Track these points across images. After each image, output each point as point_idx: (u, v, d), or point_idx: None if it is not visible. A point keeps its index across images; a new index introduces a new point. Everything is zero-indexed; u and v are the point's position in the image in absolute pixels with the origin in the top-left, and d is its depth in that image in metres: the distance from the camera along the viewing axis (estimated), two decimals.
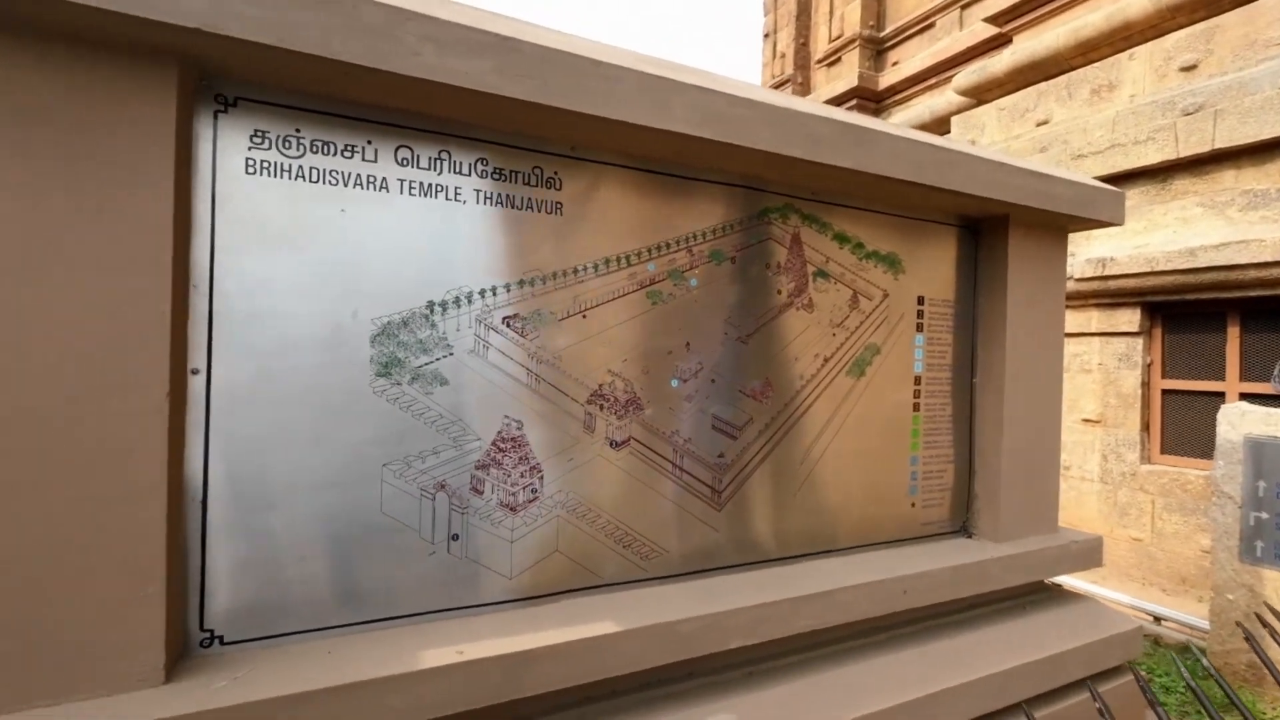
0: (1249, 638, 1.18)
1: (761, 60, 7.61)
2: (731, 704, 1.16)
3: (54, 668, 0.77)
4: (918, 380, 1.56)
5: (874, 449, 1.49)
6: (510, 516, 1.10)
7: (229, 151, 0.90)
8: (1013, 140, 4.05)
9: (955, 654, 1.40)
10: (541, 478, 1.12)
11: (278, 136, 0.93)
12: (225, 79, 0.89)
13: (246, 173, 0.91)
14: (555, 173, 1.12)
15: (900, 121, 5.56)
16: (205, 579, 0.90)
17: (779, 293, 1.35)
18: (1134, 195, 3.33)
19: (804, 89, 7.05)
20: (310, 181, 0.95)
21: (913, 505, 1.56)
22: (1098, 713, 1.02)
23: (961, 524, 1.65)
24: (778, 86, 7.31)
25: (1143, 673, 1.73)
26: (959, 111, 4.67)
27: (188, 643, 0.89)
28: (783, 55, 7.21)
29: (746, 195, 1.31)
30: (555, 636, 1.02)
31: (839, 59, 6.36)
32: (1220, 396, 2.96)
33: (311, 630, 0.96)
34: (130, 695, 0.80)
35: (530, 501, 1.11)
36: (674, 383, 1.24)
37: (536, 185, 1.11)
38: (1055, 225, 1.67)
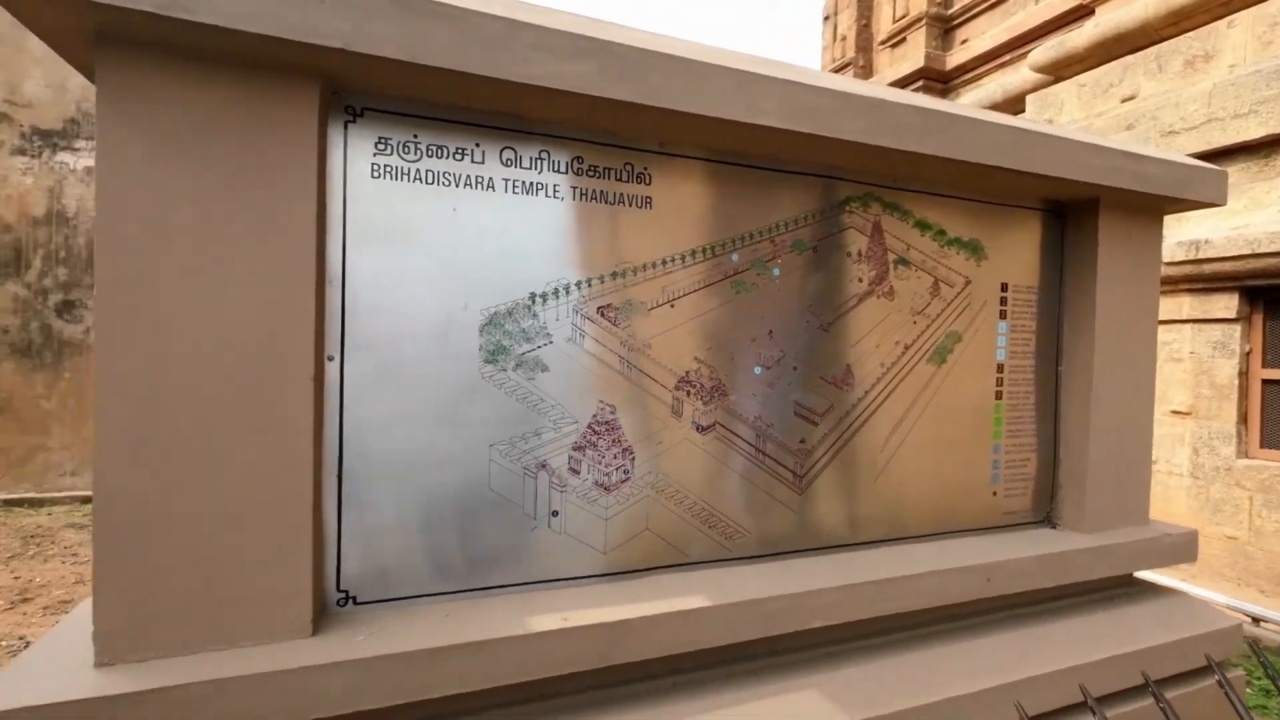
0: None
1: (821, 44, 7.44)
2: (814, 681, 1.19)
3: (225, 618, 0.88)
4: (1000, 368, 1.54)
5: (955, 437, 1.49)
6: (604, 495, 1.16)
7: (357, 158, 0.99)
8: (1095, 118, 3.85)
9: (1038, 644, 1.39)
10: (633, 459, 1.18)
11: (398, 142, 1.01)
12: (355, 92, 0.98)
13: (372, 177, 1.00)
14: (645, 168, 1.17)
15: (970, 102, 5.35)
16: (341, 545, 1.00)
17: (860, 281, 1.36)
18: (1233, 173, 3.12)
19: (866, 72, 6.86)
20: (426, 183, 1.03)
21: (994, 494, 1.55)
22: (1162, 712, 1.01)
23: (1045, 514, 1.62)
24: (838, 70, 7.14)
25: (1243, 674, 1.67)
26: (1035, 89, 4.46)
27: (327, 601, 0.99)
28: (843, 38, 7.03)
29: (828, 185, 1.33)
30: (648, 609, 1.08)
31: (904, 39, 6.16)
32: None
33: (430, 594, 1.05)
34: (286, 644, 0.90)
35: (622, 482, 1.18)
36: (757, 370, 1.28)
37: (628, 181, 1.16)
38: (1149, 207, 1.61)
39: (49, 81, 4.07)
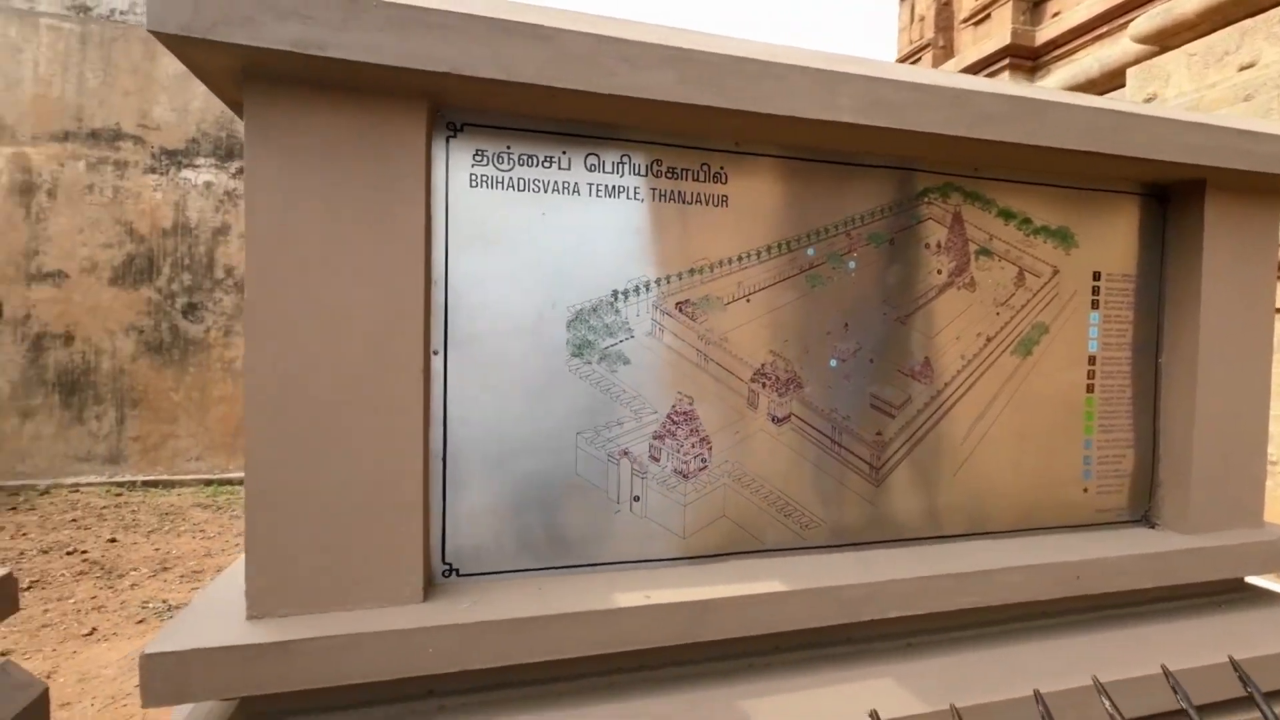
0: None
1: (897, 25, 7.17)
2: (892, 670, 1.21)
3: (351, 583, 0.99)
4: (1092, 360, 1.48)
5: (1041, 431, 1.45)
6: (683, 482, 1.22)
7: (457, 170, 1.09)
8: (1207, 90, 3.55)
9: (1133, 646, 1.33)
10: (710, 448, 1.23)
11: (493, 154, 1.10)
12: (455, 109, 1.07)
13: (470, 187, 1.09)
14: (721, 168, 1.22)
15: (1063, 78, 5.03)
16: (445, 521, 1.10)
17: (939, 273, 1.35)
18: None
19: (946, 53, 6.56)
20: (517, 190, 1.12)
21: (1085, 491, 1.49)
22: None
23: (1143, 513, 1.55)
24: (915, 52, 6.87)
25: None
26: (1136, 62, 4.15)
27: (433, 572, 1.10)
28: (921, 18, 6.75)
29: (905, 177, 1.33)
30: (727, 590, 1.13)
31: (988, 15, 5.85)
32: None
33: (523, 570, 1.14)
34: (402, 608, 1.01)
35: (700, 470, 1.23)
36: (833, 362, 1.29)
37: (704, 180, 1.21)
38: (1265, 188, 1.50)
39: (173, 106, 4.52)
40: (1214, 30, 3.63)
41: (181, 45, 0.86)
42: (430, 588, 1.07)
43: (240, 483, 4.38)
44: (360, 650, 0.95)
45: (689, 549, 1.23)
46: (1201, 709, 1.30)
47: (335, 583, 0.99)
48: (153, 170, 4.45)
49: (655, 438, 1.20)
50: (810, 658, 1.22)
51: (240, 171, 4.60)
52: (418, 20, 0.90)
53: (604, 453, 1.17)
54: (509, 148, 1.11)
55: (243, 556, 1.22)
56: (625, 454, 1.18)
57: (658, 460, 1.20)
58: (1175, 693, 0.96)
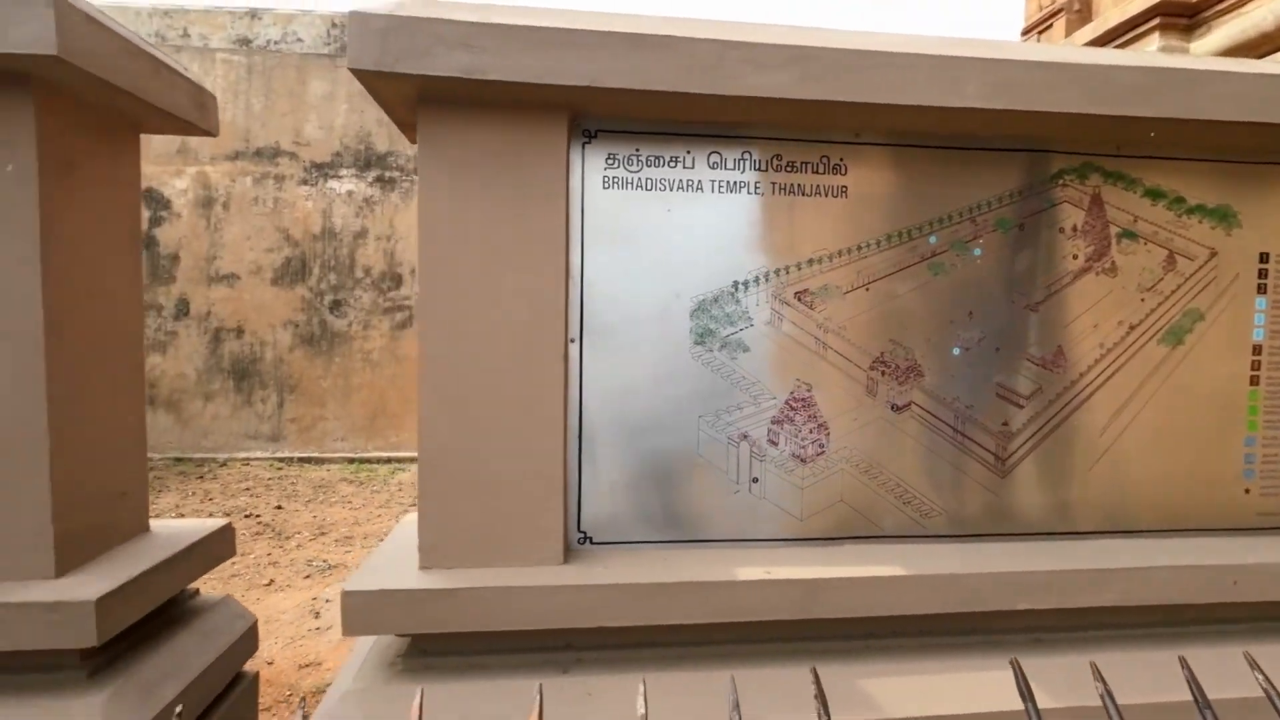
0: None
1: None
2: (1021, 665, 1.19)
3: (503, 543, 1.13)
4: (1258, 350, 1.36)
5: (1194, 426, 1.35)
6: (800, 466, 1.26)
7: (591, 173, 1.19)
8: None
9: None
10: (828, 434, 1.26)
11: (624, 156, 1.19)
12: (590, 117, 1.17)
13: (603, 188, 1.19)
14: (841, 159, 1.24)
15: (1227, 35, 4.45)
16: (581, 493, 1.21)
17: (1075, 258, 1.30)
18: None
19: (1082, 17, 5.98)
20: (645, 190, 1.20)
21: (1247, 492, 1.37)
22: None
23: None
24: (1046, 19, 6.31)
25: None
26: None
27: (570, 539, 1.22)
28: None
29: (1037, 159, 1.28)
30: (844, 571, 1.16)
31: None
32: None
33: (650, 541, 1.23)
34: (546, 568, 1.13)
35: (818, 455, 1.26)
36: (955, 351, 1.28)
37: (823, 172, 1.24)
38: None
39: (320, 124, 5.05)
40: None
41: (372, 78, 1.01)
42: (568, 552, 1.19)
43: (378, 461, 4.86)
44: (511, 601, 1.08)
45: (806, 530, 1.27)
46: None
47: (489, 543, 1.13)
48: (304, 182, 5.00)
49: (774, 422, 1.25)
50: (931, 645, 1.22)
51: (378, 180, 5.08)
52: (564, 41, 1.00)
53: (724, 435, 1.24)
54: (638, 150, 1.19)
55: (404, 518, 1.40)
56: (744, 437, 1.24)
57: (776, 444, 1.25)
58: None
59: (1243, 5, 4.55)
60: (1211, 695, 1.13)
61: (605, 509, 1.22)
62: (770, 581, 1.13)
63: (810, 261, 1.24)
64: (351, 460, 4.80)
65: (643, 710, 0.42)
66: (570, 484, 1.21)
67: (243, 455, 4.75)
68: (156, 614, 1.23)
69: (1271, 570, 1.24)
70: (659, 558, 1.20)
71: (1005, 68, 1.11)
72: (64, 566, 1.07)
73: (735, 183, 1.22)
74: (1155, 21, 4.94)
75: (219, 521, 1.40)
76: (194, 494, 3.86)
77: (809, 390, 1.25)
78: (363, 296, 5.03)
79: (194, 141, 4.78)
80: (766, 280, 1.23)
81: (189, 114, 1.25)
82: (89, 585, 1.04)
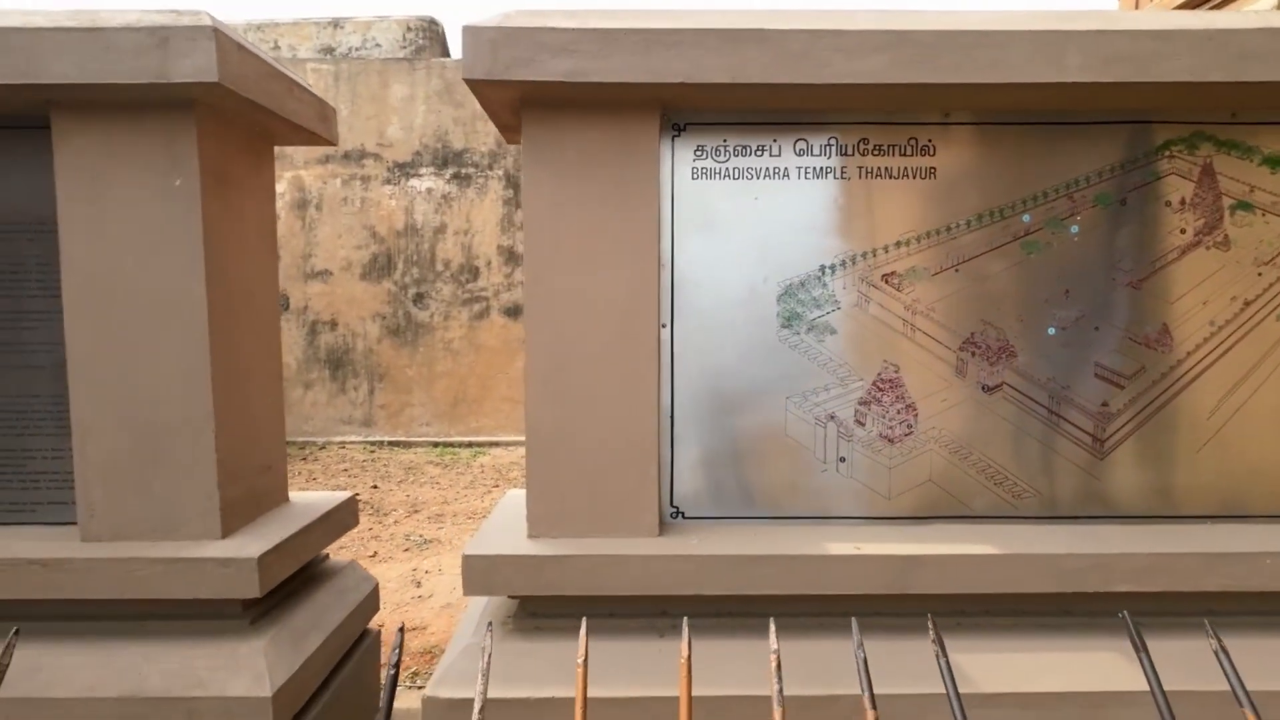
0: None
1: None
2: (1113, 645, 1.17)
3: (604, 516, 1.21)
4: None
5: None
6: (888, 446, 1.28)
7: (681, 165, 1.24)
8: None
9: None
10: (916, 415, 1.27)
11: (712, 148, 1.24)
12: (679, 111, 1.22)
13: (692, 179, 1.24)
14: (929, 140, 1.24)
15: None
16: (674, 470, 1.28)
17: (1182, 232, 1.25)
18: None
19: None
20: (733, 179, 1.24)
21: None
22: None
23: None
24: None
25: None
26: None
27: (663, 513, 1.29)
28: None
29: (1140, 131, 1.24)
30: (935, 549, 1.18)
31: None
32: None
33: (740, 517, 1.29)
34: (642, 540, 1.21)
35: (905, 435, 1.28)
36: (1051, 330, 1.26)
37: (911, 154, 1.24)
38: None
39: (401, 126, 5.31)
40: None
41: (483, 86, 1.10)
42: (663, 525, 1.26)
43: (460, 445, 5.13)
44: (611, 569, 1.16)
45: (894, 509, 1.29)
46: None
47: (591, 515, 1.21)
48: (388, 181, 5.29)
49: (861, 403, 1.27)
50: (1021, 624, 1.23)
51: (454, 177, 5.30)
52: (658, 41, 1.06)
53: (811, 416, 1.27)
54: (725, 141, 1.24)
55: (509, 493, 1.51)
56: (831, 418, 1.27)
57: (863, 425, 1.28)
58: None
59: None
60: None
61: (696, 485, 1.28)
62: (860, 557, 1.16)
63: (898, 244, 1.25)
64: (436, 444, 5.08)
65: (775, 646, 0.48)
66: (663, 461, 1.28)
67: (339, 439, 5.11)
68: (298, 575, 1.39)
69: None
70: (748, 532, 1.25)
71: (1111, 39, 1.08)
72: (228, 529, 1.23)
73: (821, 168, 1.24)
74: None
75: (346, 494, 1.56)
76: (299, 475, 4.20)
77: (896, 371, 1.27)
78: (443, 289, 5.28)
79: (289, 149, 5.13)
80: (853, 264, 1.25)
81: (315, 126, 1.38)
82: (251, 545, 1.19)
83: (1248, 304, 1.26)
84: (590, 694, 1.07)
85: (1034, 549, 1.18)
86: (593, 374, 1.19)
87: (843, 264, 1.25)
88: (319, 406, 5.24)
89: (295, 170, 5.28)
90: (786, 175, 1.24)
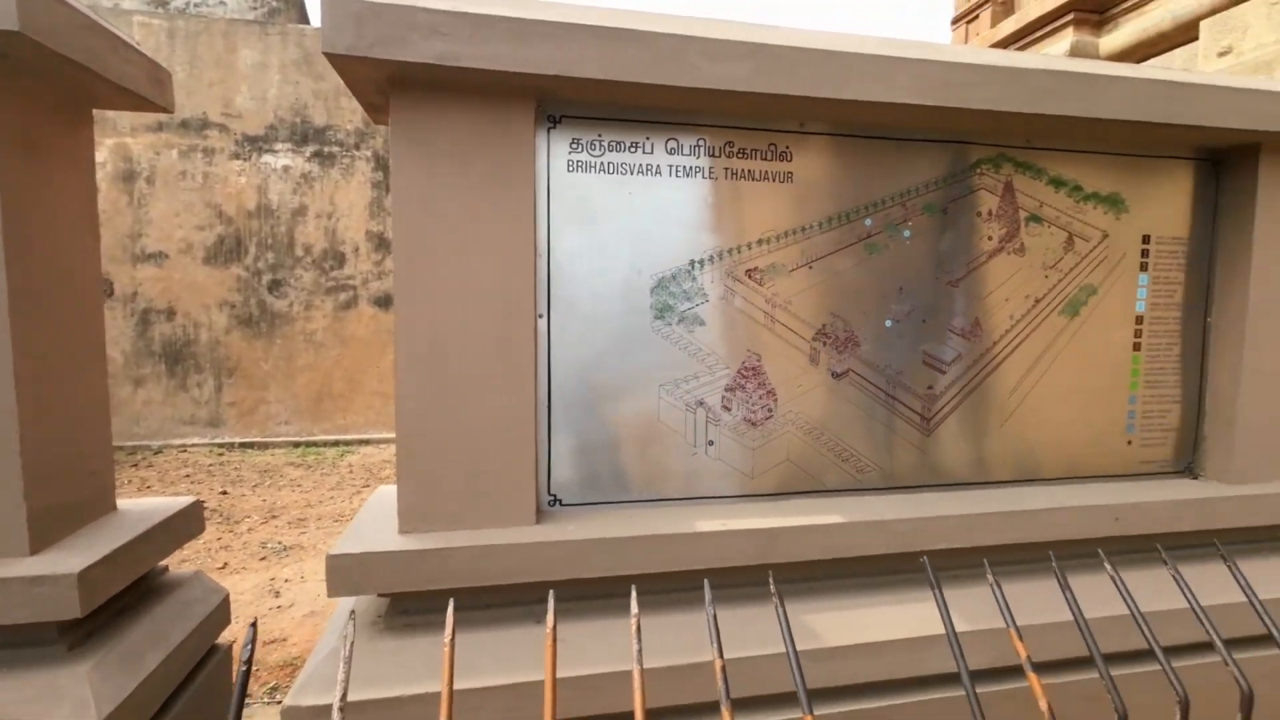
0: None
1: None
2: (934, 596, 1.35)
3: (479, 506, 1.20)
4: (1139, 320, 1.56)
5: (1087, 386, 1.54)
6: (751, 430, 1.38)
7: (557, 156, 1.25)
8: None
9: (1167, 585, 1.44)
10: (775, 400, 1.39)
11: (587, 141, 1.26)
12: (555, 103, 1.24)
13: (567, 171, 1.26)
14: (787, 147, 1.35)
15: (1132, 32, 4.82)
16: (551, 458, 1.30)
17: (989, 239, 1.46)
18: None
19: (1005, 9, 6.31)
20: (608, 173, 1.28)
21: (1129, 443, 1.59)
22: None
23: (1186, 465, 1.63)
24: (973, 10, 6.63)
25: None
26: (1212, 13, 3.96)
27: (541, 500, 1.30)
28: None
29: (959, 150, 1.43)
30: (792, 521, 1.29)
31: None
32: None
33: (616, 502, 1.33)
34: (518, 528, 1.21)
35: (766, 419, 1.39)
36: (888, 323, 1.42)
37: (771, 159, 1.34)
38: None
39: (253, 95, 4.82)
40: None
41: (344, 62, 1.04)
42: (541, 514, 1.28)
43: (325, 444, 4.78)
44: (487, 559, 1.16)
45: (757, 487, 1.39)
46: (1232, 642, 1.40)
47: (466, 506, 1.20)
48: (237, 156, 4.78)
49: (727, 390, 1.36)
50: (864, 584, 1.38)
51: (316, 155, 4.90)
52: (533, 31, 1.06)
53: (682, 402, 1.35)
54: (600, 135, 1.27)
55: (380, 490, 1.45)
56: (701, 404, 1.35)
57: (729, 410, 1.37)
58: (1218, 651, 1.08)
59: (1144, 5, 4.93)
60: (1095, 615, 1.33)
61: (573, 473, 1.31)
62: (727, 532, 1.25)
63: (759, 241, 1.35)
64: (297, 444, 4.70)
65: (635, 611, 0.51)
66: (541, 450, 1.29)
67: (179, 442, 4.57)
68: (130, 590, 1.25)
69: (1146, 508, 1.45)
70: (624, 515, 1.30)
71: (933, 68, 1.24)
72: (38, 544, 1.08)
73: (691, 167, 1.31)
74: (1070, 17, 5.29)
75: (187, 499, 1.41)
76: (130, 483, 3.72)
77: (759, 360, 1.37)
78: (303, 276, 4.88)
79: (111, 112, 4.49)
80: (720, 259, 1.34)
81: (145, 89, 1.23)
82: (69, 560, 1.05)
83: (1038, 301, 1.50)
84: (466, 684, 1.07)
85: (872, 516, 1.33)
86: (468, 363, 1.18)
87: (710, 259, 1.33)
88: (153, 406, 4.65)
89: (119, 137, 4.63)
90: (659, 172, 1.30)
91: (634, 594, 0.53)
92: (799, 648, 1.20)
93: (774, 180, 1.35)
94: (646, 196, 1.29)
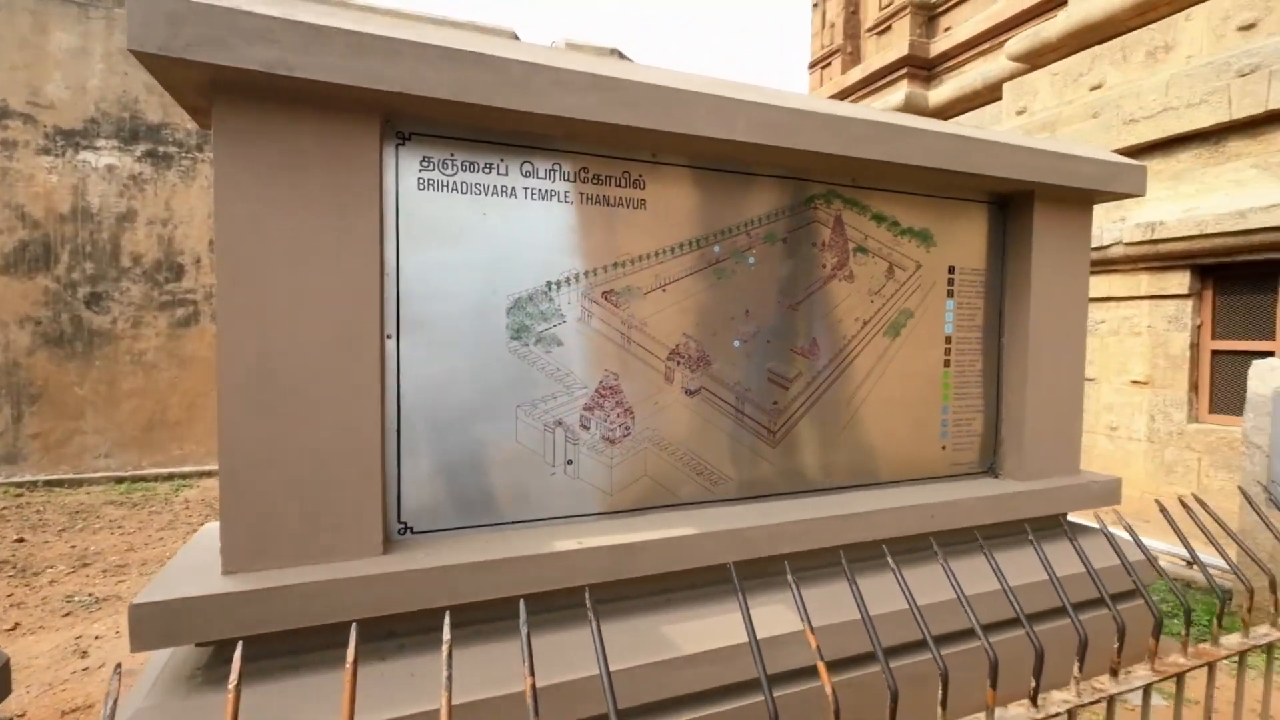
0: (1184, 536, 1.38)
1: (811, 30, 7.59)
2: (784, 598, 1.45)
3: (318, 540, 1.13)
4: (948, 340, 1.79)
5: (908, 399, 1.74)
6: (610, 447, 1.41)
7: (406, 174, 1.23)
8: (1065, 106, 4.06)
9: (975, 572, 1.65)
10: (633, 418, 1.43)
11: (439, 160, 1.25)
12: (403, 119, 1.21)
13: (418, 189, 1.23)
14: (640, 175, 1.41)
15: (953, 88, 5.55)
16: (401, 485, 1.25)
17: (824, 267, 1.61)
18: (1185, 159, 3.35)
19: (853, 58, 7.02)
20: (461, 193, 1.27)
21: (943, 448, 1.80)
22: (1074, 627, 1.26)
23: (989, 465, 1.88)
24: (826, 57, 7.30)
25: (1156, 602, 1.93)
26: (1012, 78, 4.66)
27: (390, 530, 1.24)
28: (832, 25, 7.18)
29: (796, 185, 1.57)
30: (648, 535, 1.33)
31: (889, 27, 6.32)
32: (1271, 355, 3.01)
33: (472, 526, 1.30)
34: (365, 560, 1.15)
35: (624, 436, 1.42)
36: (736, 343, 1.52)
37: (625, 186, 1.40)
38: (1079, 199, 1.84)
39: (68, 84, 4.25)
40: (1072, 53, 4.14)
41: (156, 62, 0.96)
42: (389, 543, 1.22)
43: (157, 479, 4.22)
44: (325, 596, 1.09)
45: (616, 504, 1.42)
46: (1031, 617, 1.62)
47: (302, 541, 1.12)
48: (46, 151, 4.18)
49: (585, 409, 1.39)
50: (717, 592, 1.44)
51: (149, 155, 4.39)
52: (378, 47, 1.04)
53: (540, 423, 1.35)
54: (453, 155, 1.25)
55: (204, 528, 1.32)
56: (559, 424, 1.36)
57: (588, 429, 1.39)
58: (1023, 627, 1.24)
59: (962, 67, 5.69)
60: (925, 601, 1.48)
61: (426, 498, 1.27)
62: (584, 550, 1.26)
63: (615, 265, 1.39)
64: (121, 480, 4.13)
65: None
66: (389, 476, 1.24)
67: None
68: None
69: (957, 506, 1.65)
70: (480, 540, 1.27)
71: (769, 111, 1.35)
72: None
73: (547, 191, 1.33)
74: (904, 70, 5.98)
75: None
76: None
77: (616, 379, 1.41)
78: (131, 289, 4.33)
79: None
80: (577, 281, 1.36)
81: None
82: None
83: (866, 323, 1.66)
84: None
85: (725, 526, 1.40)
86: (305, 386, 1.11)
87: (568, 281, 1.36)
88: None
89: None
90: (514, 194, 1.30)
91: (446, 621, 0.53)
92: (654, 659, 1.24)
93: (629, 206, 1.40)
94: (502, 217, 1.30)
